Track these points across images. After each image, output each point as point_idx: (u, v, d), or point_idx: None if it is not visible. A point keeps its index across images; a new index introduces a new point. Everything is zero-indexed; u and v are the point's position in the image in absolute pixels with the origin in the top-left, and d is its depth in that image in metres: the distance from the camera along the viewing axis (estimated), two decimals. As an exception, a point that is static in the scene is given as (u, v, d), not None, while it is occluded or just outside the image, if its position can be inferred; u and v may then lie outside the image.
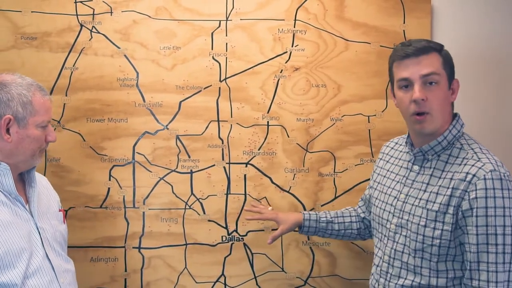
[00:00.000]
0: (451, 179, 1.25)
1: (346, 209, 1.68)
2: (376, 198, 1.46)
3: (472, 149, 1.28)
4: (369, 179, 1.80)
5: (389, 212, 1.39)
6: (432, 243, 1.26)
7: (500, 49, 1.84)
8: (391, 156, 1.48)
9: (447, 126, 1.31)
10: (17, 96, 1.26)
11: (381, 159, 1.52)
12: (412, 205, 1.32)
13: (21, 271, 1.20)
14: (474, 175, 1.21)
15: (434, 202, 1.26)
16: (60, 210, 1.45)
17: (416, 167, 1.36)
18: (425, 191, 1.30)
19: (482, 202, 1.19)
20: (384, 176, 1.45)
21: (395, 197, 1.38)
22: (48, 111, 1.32)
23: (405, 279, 1.31)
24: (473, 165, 1.23)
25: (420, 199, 1.30)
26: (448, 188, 1.25)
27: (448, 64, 1.31)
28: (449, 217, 1.24)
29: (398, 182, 1.39)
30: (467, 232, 1.21)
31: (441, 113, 1.29)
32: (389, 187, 1.42)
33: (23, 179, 1.35)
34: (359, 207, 1.65)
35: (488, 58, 1.84)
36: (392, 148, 1.51)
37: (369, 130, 1.81)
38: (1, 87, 1.26)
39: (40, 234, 1.29)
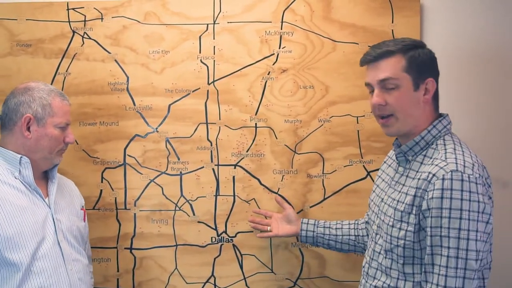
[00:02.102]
0: (418, 179, 1.23)
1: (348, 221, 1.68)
2: (371, 200, 1.46)
3: (445, 149, 1.25)
4: (358, 180, 1.80)
5: (376, 213, 1.39)
6: (397, 244, 1.25)
7: (490, 48, 1.80)
8: (393, 160, 1.45)
9: (426, 126, 1.30)
10: (38, 98, 1.42)
11: (385, 162, 1.51)
12: (388, 205, 1.32)
13: (29, 253, 1.32)
14: (434, 175, 1.19)
15: (402, 203, 1.26)
16: (82, 209, 1.60)
17: (401, 169, 1.35)
18: (399, 191, 1.30)
19: (438, 202, 1.15)
20: (383, 180, 1.44)
21: (382, 199, 1.38)
22: (66, 114, 1.47)
23: (378, 280, 1.31)
24: (437, 165, 1.20)
25: (393, 199, 1.30)
26: (414, 188, 1.23)
27: (414, 65, 1.27)
28: (413, 218, 1.22)
29: (387, 184, 1.39)
30: (426, 234, 1.19)
31: (407, 115, 1.28)
32: (381, 190, 1.42)
33: (47, 177, 1.49)
34: (367, 214, 1.62)
35: (478, 57, 1.80)
36: (394, 150, 1.49)
37: (358, 131, 1.80)
38: (26, 91, 1.44)
39: (54, 224, 1.41)
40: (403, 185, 1.29)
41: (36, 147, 1.41)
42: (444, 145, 1.26)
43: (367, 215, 1.60)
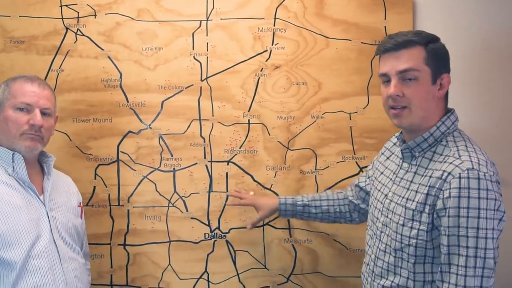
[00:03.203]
0: (430, 177, 1.21)
1: (327, 191, 1.67)
2: (372, 195, 1.44)
3: (457, 146, 1.22)
4: (351, 177, 1.81)
5: (379, 210, 1.36)
6: (409, 243, 1.22)
7: (483, 44, 1.80)
8: (392, 153, 1.43)
9: (435, 123, 1.27)
10: (3, 85, 1.41)
11: (382, 153, 1.48)
12: (396, 203, 1.29)
13: (23, 251, 1.30)
14: (449, 173, 1.16)
15: (413, 201, 1.23)
16: (79, 206, 1.57)
17: (405, 165, 1.32)
18: (408, 189, 1.27)
19: (455, 201, 1.14)
20: (382, 173, 1.42)
21: (386, 195, 1.35)
22: (27, 94, 1.38)
23: (386, 279, 1.29)
24: (451, 163, 1.18)
25: (402, 197, 1.27)
26: (426, 186, 1.21)
27: (434, 58, 1.24)
28: (426, 217, 1.20)
29: (390, 179, 1.36)
30: (441, 233, 1.17)
31: (421, 109, 1.24)
32: (383, 185, 1.38)
33: (43, 173, 1.47)
34: (350, 190, 1.62)
35: (471, 53, 1.81)
36: (394, 144, 1.46)
37: (351, 127, 1.80)
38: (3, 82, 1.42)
39: (50, 221, 1.39)
40: (411, 182, 1.27)
41: (2, 133, 1.38)
42: (455, 142, 1.24)
43: (352, 197, 1.60)
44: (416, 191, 1.23)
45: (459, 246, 1.14)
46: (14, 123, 1.37)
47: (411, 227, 1.22)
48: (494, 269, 1.14)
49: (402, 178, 1.31)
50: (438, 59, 1.26)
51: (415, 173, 1.27)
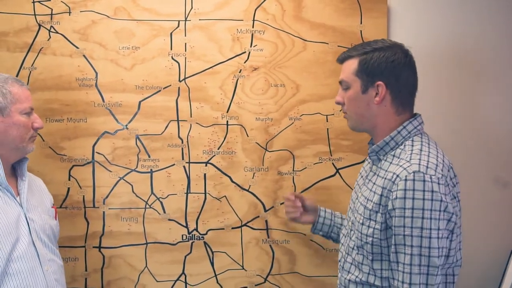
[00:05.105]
0: (385, 178, 1.27)
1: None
2: (351, 196, 1.49)
3: (412, 150, 1.28)
4: (327, 178, 1.84)
5: (352, 209, 1.42)
6: (366, 241, 1.29)
7: (456, 49, 1.87)
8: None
9: (390, 127, 1.33)
10: None
11: (366, 159, 1.53)
12: (360, 203, 1.35)
13: (4, 255, 1.28)
14: (397, 176, 1.22)
15: (371, 201, 1.29)
16: (52, 207, 1.54)
17: (374, 167, 1.38)
18: (370, 190, 1.33)
19: (401, 202, 1.19)
20: (362, 176, 1.47)
21: (357, 195, 1.41)
22: (28, 99, 1.42)
23: (352, 274, 1.35)
24: (401, 166, 1.24)
25: (365, 197, 1.34)
26: (381, 187, 1.27)
27: (364, 69, 1.31)
28: (380, 216, 1.25)
29: (363, 181, 1.43)
30: (392, 232, 1.23)
31: (356, 115, 1.35)
32: (359, 186, 1.45)
33: (16, 174, 1.44)
34: None
35: (443, 58, 1.87)
36: None
37: (328, 129, 1.83)
38: None
39: (28, 224, 1.37)
40: (374, 183, 1.33)
41: (6, 139, 1.35)
42: (412, 146, 1.29)
43: None
44: (374, 192, 1.30)
45: (405, 245, 1.19)
46: (25, 127, 1.40)
47: (368, 226, 1.29)
48: (439, 267, 1.19)
49: (370, 180, 1.38)
50: (370, 69, 1.31)
51: (378, 175, 1.34)
